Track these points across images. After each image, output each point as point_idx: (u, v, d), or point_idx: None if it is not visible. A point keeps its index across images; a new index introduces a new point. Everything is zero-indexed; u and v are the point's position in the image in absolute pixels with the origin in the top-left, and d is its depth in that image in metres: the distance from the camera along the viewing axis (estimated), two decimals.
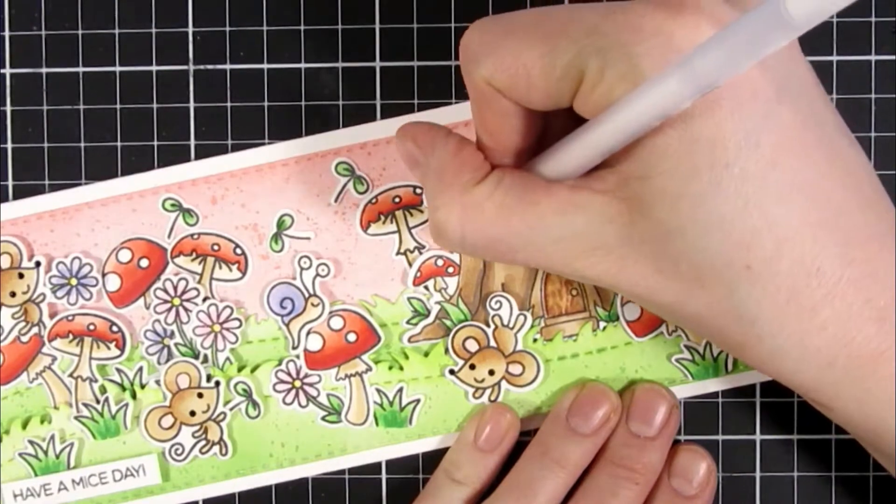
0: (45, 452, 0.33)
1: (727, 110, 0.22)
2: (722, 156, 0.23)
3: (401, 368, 0.33)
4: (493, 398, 0.32)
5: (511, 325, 0.32)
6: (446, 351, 0.32)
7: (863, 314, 0.24)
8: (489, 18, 0.25)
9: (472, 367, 0.32)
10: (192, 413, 0.33)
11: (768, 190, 0.23)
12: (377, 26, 0.33)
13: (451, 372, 0.32)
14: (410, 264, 0.32)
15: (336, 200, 0.33)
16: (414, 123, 0.28)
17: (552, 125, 0.27)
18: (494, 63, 0.24)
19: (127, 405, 0.33)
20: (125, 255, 0.33)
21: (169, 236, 0.33)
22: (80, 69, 0.33)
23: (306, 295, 0.32)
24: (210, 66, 0.33)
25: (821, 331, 0.24)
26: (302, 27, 0.33)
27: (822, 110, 0.25)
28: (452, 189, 0.26)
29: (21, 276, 0.33)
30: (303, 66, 0.33)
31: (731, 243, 0.24)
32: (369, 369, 0.33)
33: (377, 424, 0.33)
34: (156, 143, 0.33)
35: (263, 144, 0.33)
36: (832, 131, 0.25)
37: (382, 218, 0.32)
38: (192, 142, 0.33)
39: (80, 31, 0.33)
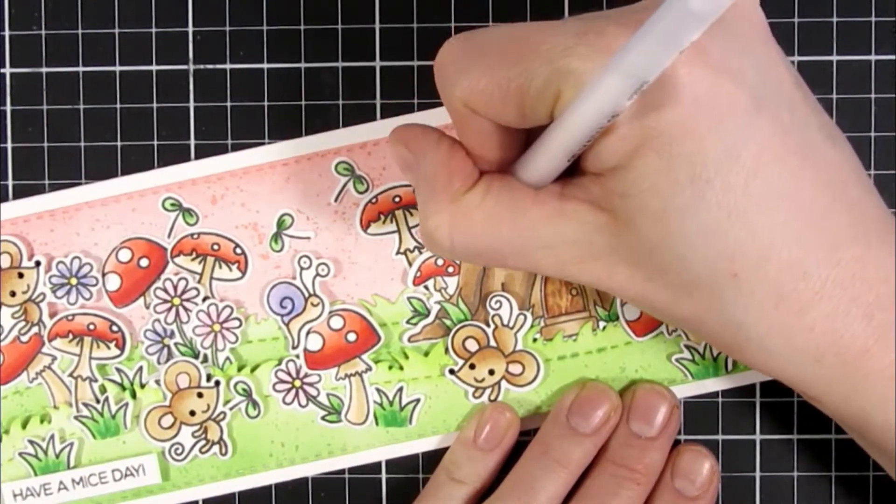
0: (45, 452, 0.33)
1: (705, 127, 0.23)
2: (703, 171, 0.23)
3: (401, 368, 0.33)
4: (492, 398, 0.32)
5: (511, 325, 0.32)
6: (446, 350, 0.32)
7: (850, 313, 0.24)
8: (462, 37, 0.25)
9: (472, 366, 0.32)
10: (192, 413, 0.33)
11: (750, 200, 0.23)
12: (377, 26, 0.33)
13: (451, 371, 0.32)
14: (410, 264, 0.32)
15: (336, 200, 0.33)
16: (406, 126, 0.27)
17: (536, 135, 0.27)
18: (469, 84, 0.24)
19: (127, 405, 0.33)
20: (125, 255, 0.33)
21: (169, 236, 0.33)
22: (80, 69, 0.33)
23: (306, 294, 0.32)
24: (210, 66, 0.33)
25: (809, 331, 0.25)
26: (302, 27, 0.33)
27: (803, 114, 0.25)
28: (443, 197, 0.26)
29: (21, 275, 0.33)
30: (303, 66, 0.33)
31: (716, 254, 0.24)
32: (369, 369, 0.33)
33: (377, 424, 0.33)
34: (156, 142, 0.33)
35: (263, 144, 0.33)
36: (815, 134, 0.25)
37: (382, 217, 0.32)
38: (192, 141, 0.33)
39: (80, 31, 0.33)
